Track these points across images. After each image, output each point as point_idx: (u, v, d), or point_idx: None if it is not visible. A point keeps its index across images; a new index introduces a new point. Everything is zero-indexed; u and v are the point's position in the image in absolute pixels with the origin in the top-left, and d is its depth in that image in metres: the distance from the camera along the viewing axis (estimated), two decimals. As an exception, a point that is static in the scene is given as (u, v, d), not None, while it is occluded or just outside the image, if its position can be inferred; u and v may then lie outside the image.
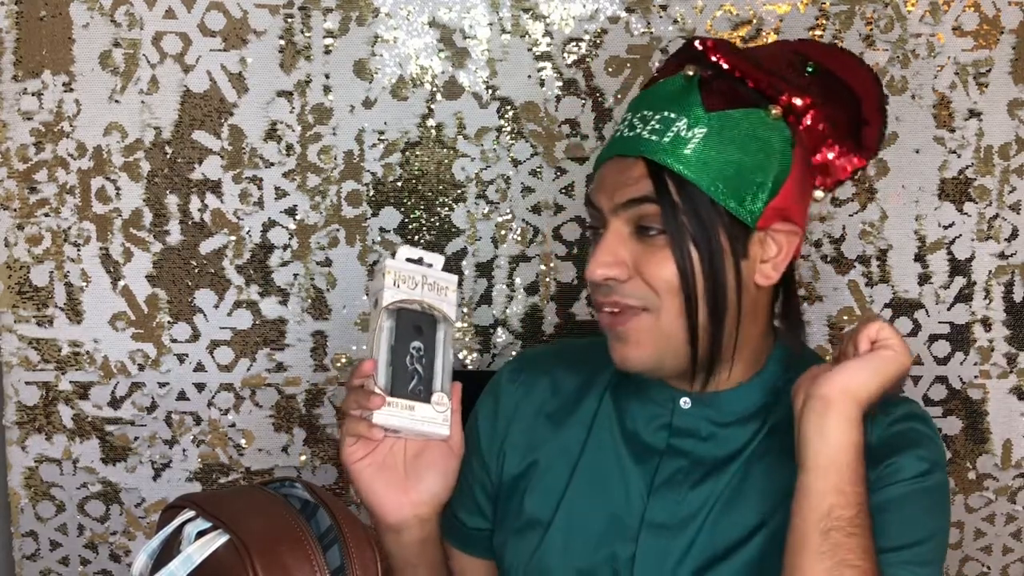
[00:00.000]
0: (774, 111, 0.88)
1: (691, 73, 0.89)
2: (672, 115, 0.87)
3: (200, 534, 0.76)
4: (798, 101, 0.89)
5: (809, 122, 0.91)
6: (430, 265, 0.94)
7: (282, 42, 1.37)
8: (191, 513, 0.78)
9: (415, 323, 0.92)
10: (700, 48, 0.93)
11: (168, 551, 0.77)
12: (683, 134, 0.86)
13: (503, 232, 1.43)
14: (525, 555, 0.96)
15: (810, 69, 0.93)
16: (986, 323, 1.47)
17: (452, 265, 1.43)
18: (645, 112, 0.89)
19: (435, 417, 0.91)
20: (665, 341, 0.88)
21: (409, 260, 0.93)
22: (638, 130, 0.88)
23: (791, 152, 0.88)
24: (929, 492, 0.88)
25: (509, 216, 1.42)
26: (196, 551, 0.74)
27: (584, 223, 1.39)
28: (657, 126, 0.87)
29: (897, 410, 0.90)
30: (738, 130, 0.87)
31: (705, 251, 0.85)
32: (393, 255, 0.93)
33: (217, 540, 0.75)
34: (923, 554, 0.85)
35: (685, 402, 0.94)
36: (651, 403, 0.96)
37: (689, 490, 0.92)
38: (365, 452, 0.93)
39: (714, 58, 0.92)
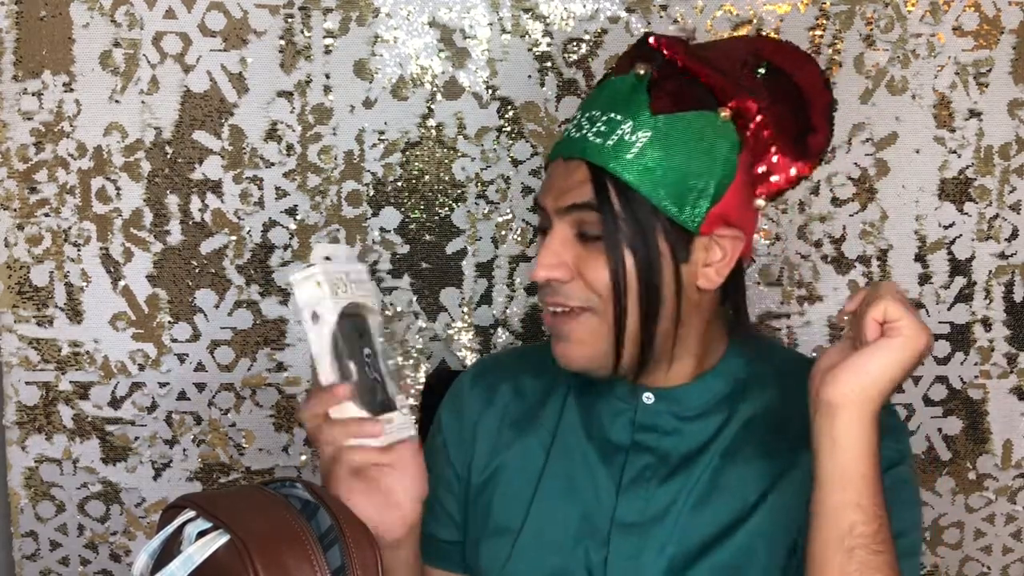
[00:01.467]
0: (723, 113, 0.86)
1: (642, 72, 0.87)
2: (618, 117, 0.85)
3: (200, 534, 0.76)
4: (746, 105, 0.87)
5: (755, 127, 0.88)
6: (329, 259, 0.85)
7: (282, 42, 1.37)
8: (191, 513, 0.78)
9: (355, 328, 0.84)
10: (654, 45, 0.90)
11: (168, 551, 0.77)
12: (627, 138, 0.84)
13: (503, 232, 1.43)
14: (498, 563, 0.95)
15: (762, 70, 0.91)
16: (986, 323, 1.47)
17: (452, 265, 1.43)
18: (593, 112, 0.88)
19: (405, 421, 0.85)
20: (605, 341, 0.88)
21: (326, 259, 0.84)
22: (584, 131, 0.87)
23: (736, 157, 0.87)
24: (903, 484, 0.87)
25: (509, 216, 1.42)
26: (196, 551, 0.74)
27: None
28: (603, 128, 0.86)
29: None
30: (684, 134, 0.85)
31: (643, 257, 0.84)
32: (310, 263, 0.83)
33: (217, 540, 0.75)
34: (905, 547, 0.84)
35: (648, 397, 0.93)
36: (615, 400, 0.95)
37: (657, 487, 0.91)
38: (359, 482, 0.84)
39: (667, 55, 0.89)
